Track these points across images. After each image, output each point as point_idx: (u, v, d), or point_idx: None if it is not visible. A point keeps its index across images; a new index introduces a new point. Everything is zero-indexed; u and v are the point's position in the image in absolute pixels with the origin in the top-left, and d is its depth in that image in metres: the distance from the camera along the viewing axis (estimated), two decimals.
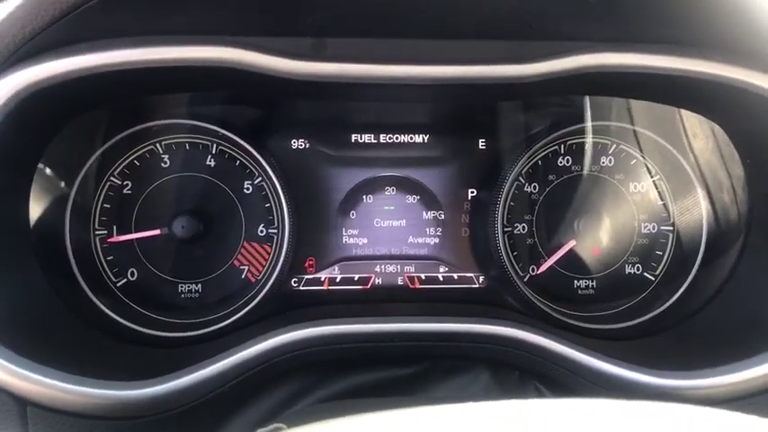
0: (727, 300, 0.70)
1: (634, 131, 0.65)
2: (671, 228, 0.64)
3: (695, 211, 0.68)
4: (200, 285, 0.60)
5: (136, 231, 0.60)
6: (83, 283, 0.65)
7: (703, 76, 0.49)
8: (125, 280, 0.60)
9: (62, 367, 0.59)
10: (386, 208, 0.62)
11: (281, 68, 0.55)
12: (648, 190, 0.63)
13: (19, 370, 0.58)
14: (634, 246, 0.64)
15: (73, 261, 0.62)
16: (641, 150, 0.66)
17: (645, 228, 0.62)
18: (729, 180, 0.68)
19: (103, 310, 0.65)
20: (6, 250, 0.53)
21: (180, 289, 0.61)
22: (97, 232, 0.59)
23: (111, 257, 0.60)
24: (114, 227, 0.60)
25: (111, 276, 0.60)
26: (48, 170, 0.59)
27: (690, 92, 0.55)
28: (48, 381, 0.56)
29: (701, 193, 0.64)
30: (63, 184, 0.62)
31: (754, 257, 0.69)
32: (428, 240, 0.62)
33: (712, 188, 0.68)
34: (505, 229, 0.62)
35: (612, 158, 0.62)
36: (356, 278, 0.62)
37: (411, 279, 0.62)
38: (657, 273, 0.64)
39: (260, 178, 0.60)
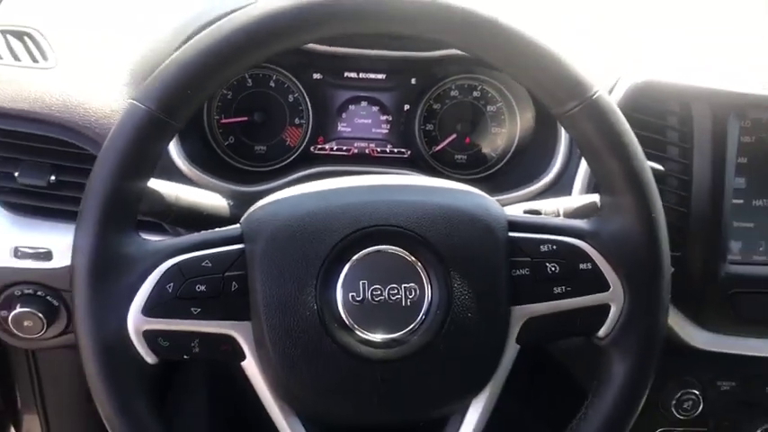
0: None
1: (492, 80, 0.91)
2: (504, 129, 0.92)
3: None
4: (265, 147, 0.91)
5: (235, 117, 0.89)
6: (215, 146, 0.90)
7: None
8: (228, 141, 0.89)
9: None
10: (361, 113, 0.93)
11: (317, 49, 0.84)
12: (498, 110, 0.93)
13: None
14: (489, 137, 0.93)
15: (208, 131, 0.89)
16: (493, 88, 0.93)
17: (493, 129, 0.93)
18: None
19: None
20: None
21: (256, 148, 0.90)
22: (215, 117, 0.89)
23: (221, 131, 0.89)
24: (222, 115, 0.89)
25: (221, 139, 0.90)
26: None
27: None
28: None
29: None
30: None
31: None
32: (382, 131, 0.92)
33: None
34: (420, 126, 0.92)
35: (479, 93, 0.93)
36: (343, 148, 0.92)
37: (372, 150, 0.93)
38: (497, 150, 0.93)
39: (297, 94, 0.90)
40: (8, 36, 0.81)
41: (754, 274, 0.82)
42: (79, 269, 0.56)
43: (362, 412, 0.60)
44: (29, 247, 0.78)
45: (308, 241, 0.58)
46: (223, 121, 0.91)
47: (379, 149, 0.93)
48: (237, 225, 0.61)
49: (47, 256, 0.78)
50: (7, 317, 0.79)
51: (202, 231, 0.61)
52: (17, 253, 0.78)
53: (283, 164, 0.92)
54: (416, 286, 0.59)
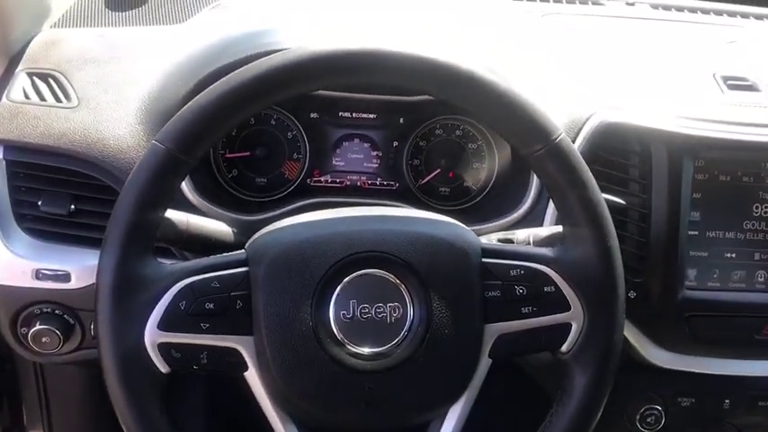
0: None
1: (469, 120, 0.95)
2: (484, 165, 0.96)
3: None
4: (266, 179, 0.95)
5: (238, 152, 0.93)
6: (220, 178, 0.94)
7: None
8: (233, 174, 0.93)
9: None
10: (354, 149, 0.97)
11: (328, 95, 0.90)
12: (478, 147, 0.97)
13: None
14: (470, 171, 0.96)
15: (213, 165, 0.93)
16: (473, 127, 0.97)
17: (474, 165, 0.97)
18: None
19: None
20: None
21: (257, 180, 0.94)
22: (220, 152, 0.94)
23: (225, 164, 0.94)
24: (227, 150, 0.94)
25: (225, 172, 0.94)
26: None
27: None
28: None
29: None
30: None
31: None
32: (373, 165, 0.97)
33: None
34: (408, 162, 0.97)
35: (461, 132, 0.97)
36: (337, 181, 0.96)
37: (363, 183, 0.97)
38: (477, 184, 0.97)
39: (296, 131, 0.95)
40: (34, 78, 0.88)
41: (709, 298, 0.89)
42: (103, 288, 0.63)
43: (351, 418, 0.67)
44: (49, 270, 0.83)
45: (305, 265, 0.65)
46: (227, 155, 0.97)
47: (369, 182, 0.99)
48: (243, 250, 0.68)
49: (65, 277, 0.83)
50: (27, 333, 0.84)
51: (211, 256, 0.68)
52: (38, 275, 0.83)
53: (282, 195, 0.97)
54: (400, 305, 0.66)
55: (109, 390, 0.63)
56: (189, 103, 0.63)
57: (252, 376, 0.66)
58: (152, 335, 0.63)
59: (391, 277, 0.66)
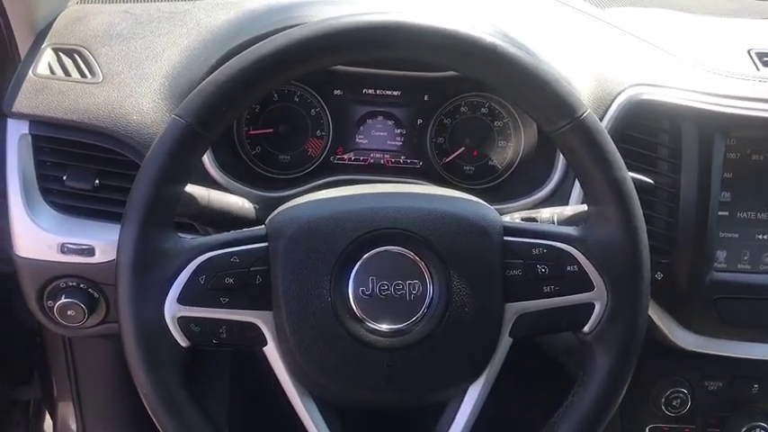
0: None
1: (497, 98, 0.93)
2: (510, 143, 0.95)
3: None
4: (289, 156, 0.95)
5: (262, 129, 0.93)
6: (243, 155, 0.93)
7: None
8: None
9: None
10: (377, 126, 0.95)
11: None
12: (504, 125, 0.96)
13: None
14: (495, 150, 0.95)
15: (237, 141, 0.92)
16: (499, 105, 0.95)
17: (500, 143, 0.96)
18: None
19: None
20: None
21: (280, 157, 0.94)
22: (243, 128, 0.93)
23: (248, 141, 0.93)
24: (250, 126, 0.94)
25: (249, 149, 0.94)
26: None
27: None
28: None
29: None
30: None
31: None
32: (396, 143, 0.96)
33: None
34: (432, 140, 0.95)
35: (487, 109, 0.96)
36: (360, 158, 0.95)
37: (387, 161, 0.96)
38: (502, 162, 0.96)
39: (319, 108, 0.94)
40: (60, 53, 0.88)
41: (738, 281, 0.87)
42: (123, 262, 0.63)
43: (369, 394, 0.67)
44: (74, 244, 0.84)
45: (325, 241, 0.65)
46: (251, 132, 0.96)
47: (393, 160, 0.98)
48: (263, 226, 0.68)
49: (90, 252, 0.84)
50: (53, 306, 0.85)
51: (231, 231, 0.68)
52: (63, 249, 0.84)
53: (305, 172, 0.97)
54: (419, 283, 0.65)
55: (129, 363, 0.63)
56: (208, 78, 0.63)
57: (271, 351, 0.66)
58: (172, 309, 0.64)
59: (411, 254, 0.65)
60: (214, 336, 0.65)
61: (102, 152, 0.84)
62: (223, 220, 0.76)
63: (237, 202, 0.79)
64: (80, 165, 0.85)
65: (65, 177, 0.84)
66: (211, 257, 0.64)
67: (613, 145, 0.66)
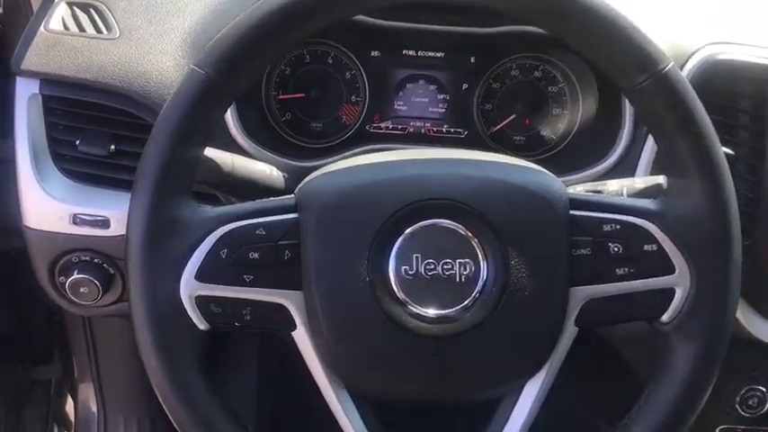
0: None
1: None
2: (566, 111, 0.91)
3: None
4: (321, 124, 0.91)
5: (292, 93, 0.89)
6: (272, 121, 0.90)
7: None
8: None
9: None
10: (418, 91, 0.91)
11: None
12: (560, 90, 0.91)
13: None
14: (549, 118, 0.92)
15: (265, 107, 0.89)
16: (555, 68, 0.91)
17: (555, 111, 0.91)
18: None
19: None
20: None
21: (312, 124, 0.90)
22: (272, 92, 0.90)
23: (278, 107, 0.90)
24: (279, 91, 0.90)
25: (278, 116, 0.91)
26: None
27: None
28: None
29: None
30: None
31: None
32: (439, 110, 0.91)
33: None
34: (478, 106, 0.90)
35: (541, 73, 0.91)
36: (399, 127, 0.92)
37: (428, 129, 0.92)
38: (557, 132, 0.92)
39: (354, 71, 0.90)
40: (74, 7, 0.82)
41: None
42: (134, 233, 0.57)
43: (412, 388, 0.60)
44: (87, 215, 0.79)
45: (362, 212, 0.58)
46: (280, 97, 0.91)
47: (435, 129, 0.92)
48: (292, 195, 0.61)
49: (104, 224, 0.79)
50: (65, 282, 0.80)
51: (257, 200, 0.61)
52: (76, 220, 0.79)
53: (338, 141, 0.92)
54: (471, 262, 0.58)
55: (140, 348, 0.57)
56: (230, 25, 0.56)
57: (300, 336, 0.59)
58: (189, 286, 0.57)
59: (462, 229, 0.58)
60: (237, 318, 0.58)
61: (118, 114, 0.78)
62: (248, 189, 0.71)
63: (265, 169, 0.73)
64: (95, 128, 0.79)
65: (78, 142, 0.79)
66: (234, 229, 0.58)
67: (700, 104, 0.58)
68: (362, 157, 0.64)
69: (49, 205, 0.78)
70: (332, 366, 0.60)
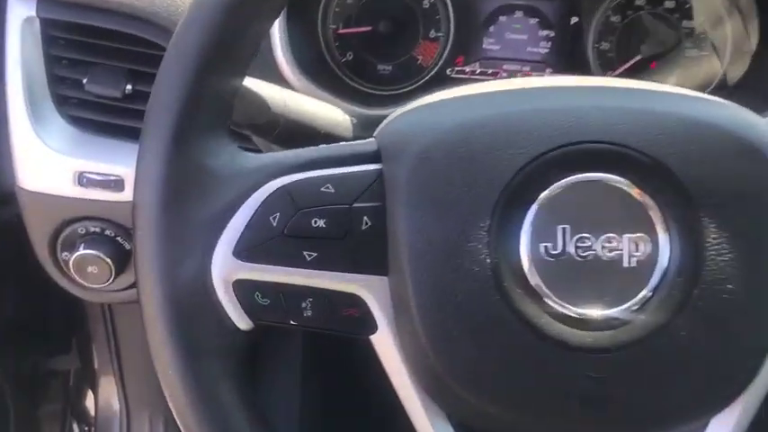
0: None
1: None
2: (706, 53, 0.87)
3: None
4: (391, 66, 0.89)
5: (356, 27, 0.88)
6: (330, 61, 0.81)
7: None
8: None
9: None
10: (514, 26, 0.87)
11: None
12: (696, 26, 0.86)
13: None
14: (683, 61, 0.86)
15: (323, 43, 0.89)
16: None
17: (690, 51, 0.86)
18: None
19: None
20: None
21: (380, 67, 0.91)
22: (331, 26, 0.87)
23: (338, 44, 0.90)
24: (340, 24, 0.88)
25: (338, 55, 0.88)
26: None
27: None
28: None
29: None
30: None
31: None
32: (541, 50, 0.88)
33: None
34: (594, 45, 0.87)
35: (673, 3, 0.86)
36: (489, 71, 0.90)
37: (526, 75, 0.89)
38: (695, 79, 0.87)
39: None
40: None
41: None
42: (144, 187, 0.44)
43: (554, 424, 0.45)
44: (96, 173, 0.69)
45: (479, 164, 0.44)
46: (341, 31, 0.80)
47: (536, 74, 0.82)
48: (372, 138, 0.47)
49: (118, 185, 0.68)
50: (69, 260, 0.69)
51: (321, 146, 0.48)
52: (82, 180, 0.69)
53: (412, 87, 0.82)
54: (647, 238, 0.43)
55: (152, 353, 0.44)
56: None
57: (384, 342, 0.46)
58: (225, 266, 0.43)
59: (632, 189, 0.43)
60: (292, 314, 0.45)
61: (134, 44, 0.69)
62: (305, 135, 0.58)
63: (327, 111, 0.60)
64: (106, 63, 0.70)
65: (85, 81, 0.69)
66: (290, 184, 0.44)
67: None
68: (473, 85, 0.49)
69: (48, 160, 0.69)
70: (429, 386, 0.46)
